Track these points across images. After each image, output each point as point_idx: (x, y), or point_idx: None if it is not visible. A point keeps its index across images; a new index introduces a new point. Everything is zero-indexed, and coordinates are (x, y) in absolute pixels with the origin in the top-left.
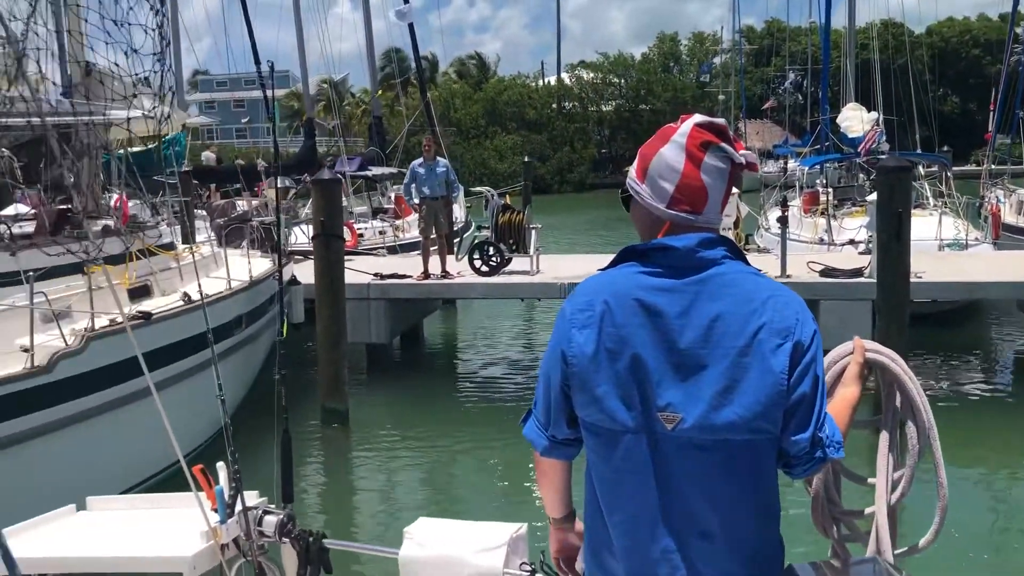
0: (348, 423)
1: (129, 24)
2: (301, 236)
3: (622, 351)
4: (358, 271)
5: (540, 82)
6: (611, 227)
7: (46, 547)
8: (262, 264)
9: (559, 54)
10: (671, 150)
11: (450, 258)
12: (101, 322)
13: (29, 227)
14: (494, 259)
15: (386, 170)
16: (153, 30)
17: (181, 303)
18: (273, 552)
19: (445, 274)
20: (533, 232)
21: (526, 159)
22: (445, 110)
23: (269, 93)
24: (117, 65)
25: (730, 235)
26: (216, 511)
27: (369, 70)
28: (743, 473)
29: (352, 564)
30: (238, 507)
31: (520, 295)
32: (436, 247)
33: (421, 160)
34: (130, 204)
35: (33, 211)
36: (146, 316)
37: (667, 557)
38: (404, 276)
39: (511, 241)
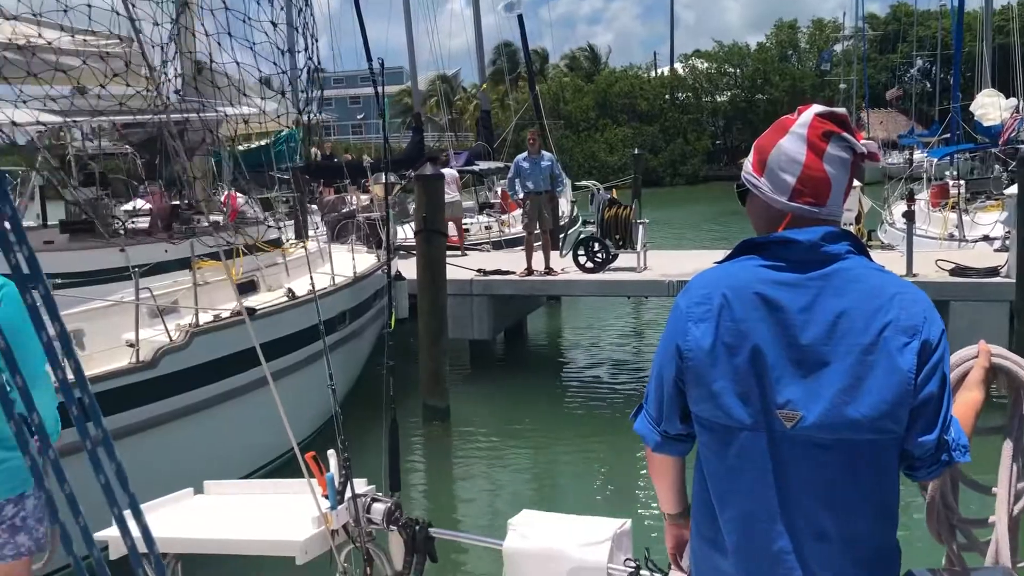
0: (448, 419)
1: (264, 23)
2: (410, 232)
3: (741, 345)
4: (461, 267)
5: (652, 73)
6: (724, 222)
7: (165, 527)
8: (367, 260)
9: (672, 44)
10: (791, 141)
11: (554, 254)
12: (206, 318)
13: (142, 223)
14: (599, 255)
15: (492, 164)
16: (284, 26)
17: (285, 299)
18: (380, 539)
19: (549, 271)
20: (640, 227)
21: (636, 151)
22: (555, 103)
23: (380, 89)
24: (238, 63)
25: (851, 231)
26: (327, 498)
27: (478, 64)
28: (864, 474)
29: (456, 554)
30: (348, 494)
31: (626, 293)
32: (540, 243)
33: (526, 154)
34: (239, 200)
35: (150, 207)
36: (250, 311)
37: (782, 557)
38: (507, 272)
39: (617, 237)
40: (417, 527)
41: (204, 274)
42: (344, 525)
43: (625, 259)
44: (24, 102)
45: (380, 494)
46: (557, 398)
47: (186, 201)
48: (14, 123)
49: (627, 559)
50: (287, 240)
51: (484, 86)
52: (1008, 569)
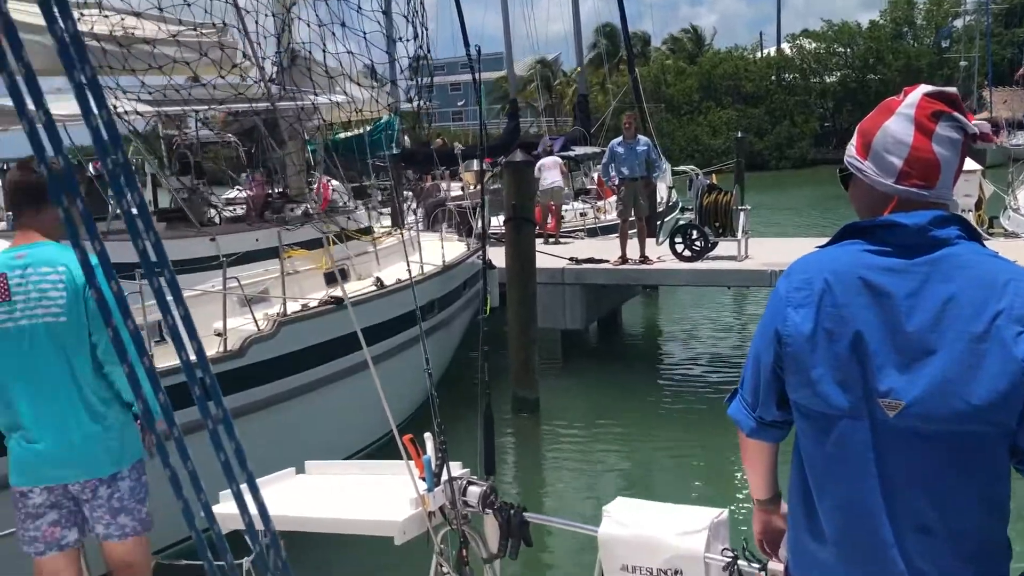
0: (538, 411)
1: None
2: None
3: (842, 331)
4: (553, 255)
5: (758, 54)
6: (831, 207)
7: (268, 505)
8: (457, 248)
9: (779, 23)
10: (898, 122)
11: (650, 241)
12: (295, 306)
13: (240, 211)
14: (697, 243)
15: (589, 150)
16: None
17: (374, 288)
18: (475, 522)
19: (644, 259)
20: (742, 214)
21: (739, 135)
22: (656, 86)
23: (476, 76)
24: (350, 52)
25: (971, 217)
26: (423, 480)
27: (575, 47)
28: (971, 467)
29: (549, 539)
30: (444, 476)
31: (726, 283)
32: (636, 230)
33: (621, 139)
34: (332, 189)
35: (247, 195)
36: (337, 301)
37: (883, 549)
38: (601, 261)
39: (717, 224)
40: (512, 511)
41: (294, 263)
42: (440, 507)
43: (725, 247)
44: (148, 94)
45: (475, 477)
46: (651, 391)
47: (279, 190)
48: (137, 112)
49: (724, 549)
50: (381, 227)
51: (578, 69)
52: None
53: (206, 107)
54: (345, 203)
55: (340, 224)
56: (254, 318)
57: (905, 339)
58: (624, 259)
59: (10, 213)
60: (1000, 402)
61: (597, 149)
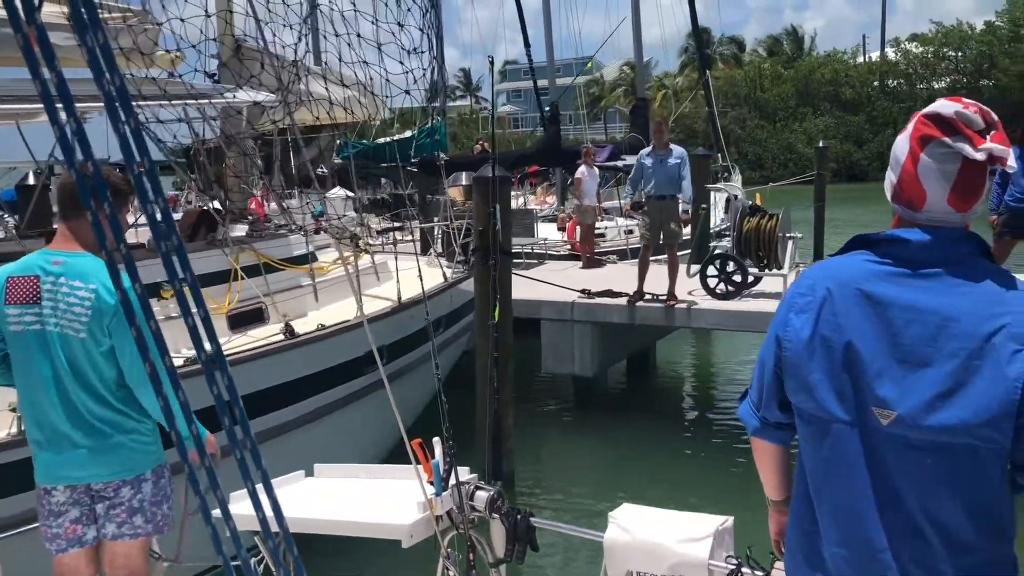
0: (512, 486)
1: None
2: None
3: (839, 339)
4: (561, 286)
5: (860, 58)
6: None
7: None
8: (435, 276)
9: (883, 25)
10: (902, 140)
11: (681, 273)
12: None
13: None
14: (735, 277)
15: None
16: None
17: (282, 337)
18: (482, 527)
19: (672, 298)
20: (790, 243)
21: (820, 144)
22: (751, 90)
23: (492, 79)
24: (272, 41)
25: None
26: (432, 484)
27: (635, 43)
28: (962, 479)
29: (556, 544)
30: (452, 481)
31: (763, 327)
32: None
33: (650, 148)
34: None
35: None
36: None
37: (877, 555)
38: (620, 294)
39: (759, 254)
40: (519, 516)
41: (210, 303)
42: (448, 511)
43: (769, 283)
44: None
45: (483, 482)
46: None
47: (216, 206)
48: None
49: (728, 556)
50: (367, 243)
51: (623, 66)
52: None
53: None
54: (288, 224)
55: (262, 249)
56: None
57: (901, 350)
58: (641, 294)
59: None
60: (989, 419)
61: None
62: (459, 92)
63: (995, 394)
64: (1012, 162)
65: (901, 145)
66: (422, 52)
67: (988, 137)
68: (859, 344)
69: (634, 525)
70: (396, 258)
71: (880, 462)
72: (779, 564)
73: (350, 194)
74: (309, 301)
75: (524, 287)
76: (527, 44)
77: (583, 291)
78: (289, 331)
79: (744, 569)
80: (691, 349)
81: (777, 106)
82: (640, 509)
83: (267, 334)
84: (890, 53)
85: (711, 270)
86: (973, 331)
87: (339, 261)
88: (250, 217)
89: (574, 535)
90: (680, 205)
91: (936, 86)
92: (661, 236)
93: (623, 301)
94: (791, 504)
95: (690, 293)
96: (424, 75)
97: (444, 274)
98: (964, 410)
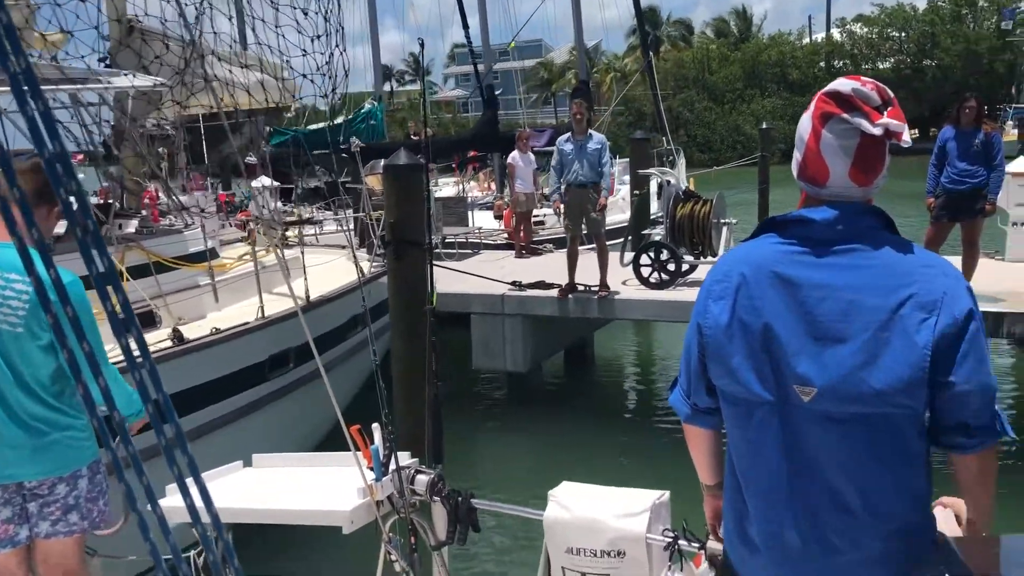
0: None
1: None
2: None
3: (756, 322)
4: (493, 279)
5: (806, 39)
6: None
7: (216, 498)
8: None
9: (828, 7)
10: (805, 118)
11: (615, 261)
12: None
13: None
14: (669, 266)
15: None
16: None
17: (170, 344)
18: (424, 510)
19: (604, 289)
20: (724, 229)
21: (763, 126)
22: (699, 72)
23: (422, 67)
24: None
25: (1021, 233)
26: (372, 470)
27: (575, 24)
28: (883, 448)
29: (497, 524)
30: (392, 466)
31: None
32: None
33: (568, 135)
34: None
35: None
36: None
37: (804, 530)
38: (551, 286)
39: (693, 240)
40: (460, 498)
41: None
42: (389, 496)
43: (704, 271)
44: None
45: (423, 466)
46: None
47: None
48: None
49: (665, 529)
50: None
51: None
52: None
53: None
54: (186, 219)
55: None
56: None
57: (816, 328)
58: (572, 286)
59: None
60: (904, 387)
61: None
62: (408, 76)
63: (907, 362)
64: (907, 136)
65: (804, 124)
66: (319, 36)
67: (885, 113)
68: (776, 325)
69: (573, 502)
70: (303, 252)
71: (803, 438)
72: (713, 536)
73: (277, 184)
74: (208, 302)
75: (454, 280)
76: (466, 27)
77: (514, 283)
78: (177, 336)
79: (681, 541)
80: (631, 338)
81: (725, 88)
82: (579, 487)
83: (155, 340)
84: (836, 34)
85: (644, 259)
86: (882, 303)
87: (245, 257)
88: (143, 212)
89: (515, 515)
90: (600, 192)
91: (881, 67)
92: (584, 225)
93: (555, 293)
94: (724, 488)
95: (624, 283)
96: (328, 60)
97: (361, 269)
98: (879, 380)
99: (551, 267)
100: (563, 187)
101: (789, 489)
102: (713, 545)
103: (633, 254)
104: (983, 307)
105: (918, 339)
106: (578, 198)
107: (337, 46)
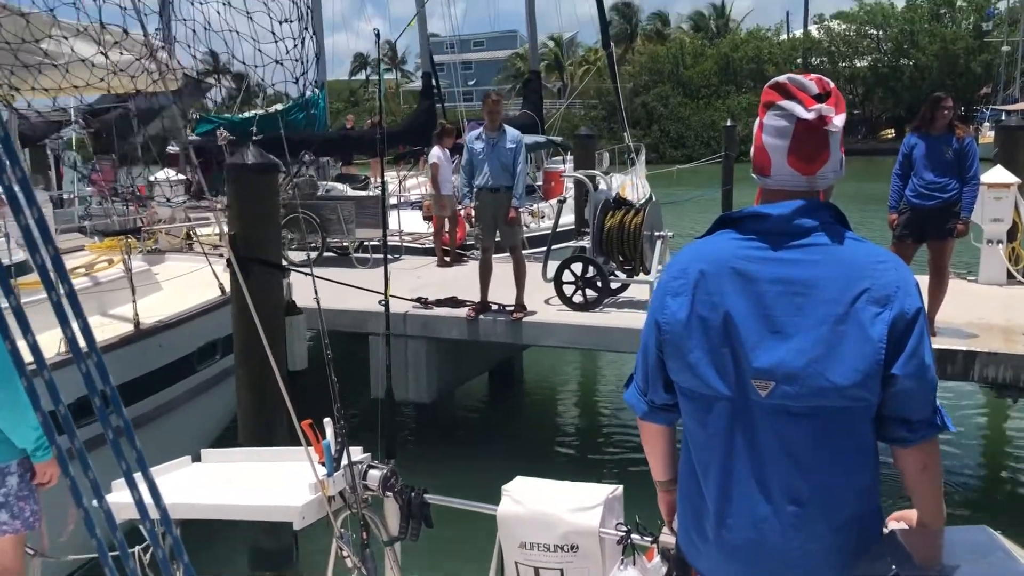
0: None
1: None
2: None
3: (715, 317)
4: (399, 297)
5: (784, 36)
6: (868, 209)
7: (164, 494)
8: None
9: (806, 3)
10: (760, 112)
11: (536, 277)
12: None
13: None
14: (596, 283)
15: (537, 139)
16: None
17: None
18: (376, 505)
19: (519, 310)
20: (658, 243)
21: (728, 123)
22: (674, 67)
23: (379, 57)
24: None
25: (1000, 250)
26: (323, 465)
27: (527, 14)
28: (838, 440)
29: (450, 519)
30: (344, 461)
31: (621, 347)
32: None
33: (479, 131)
34: None
35: None
36: None
37: (759, 524)
38: (465, 303)
39: (621, 257)
40: (412, 493)
41: None
42: (341, 492)
43: (637, 290)
44: None
45: (376, 462)
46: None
47: None
48: None
49: (618, 523)
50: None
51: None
52: (986, 528)
53: None
54: None
55: None
56: None
57: (773, 322)
58: (485, 305)
59: None
60: (860, 381)
61: (541, 138)
62: (385, 66)
63: (863, 356)
64: (837, 121)
65: (756, 119)
66: (291, 21)
67: (824, 103)
68: (734, 320)
69: (527, 497)
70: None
71: (761, 432)
72: (666, 530)
73: (183, 176)
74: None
75: (350, 295)
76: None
77: (418, 299)
78: None
79: (634, 535)
80: (569, 356)
81: (700, 83)
82: (533, 481)
83: None
84: (813, 31)
85: (567, 275)
86: (838, 297)
87: (80, 271)
88: None
89: (468, 510)
90: (512, 200)
91: (858, 64)
92: (497, 235)
93: (460, 313)
94: (679, 483)
95: (548, 301)
96: (296, 46)
97: (221, 285)
98: (836, 374)
99: (475, 278)
100: (473, 191)
101: (744, 482)
102: (666, 539)
103: (556, 270)
104: (950, 343)
105: (872, 333)
106: (490, 204)
107: (306, 29)
